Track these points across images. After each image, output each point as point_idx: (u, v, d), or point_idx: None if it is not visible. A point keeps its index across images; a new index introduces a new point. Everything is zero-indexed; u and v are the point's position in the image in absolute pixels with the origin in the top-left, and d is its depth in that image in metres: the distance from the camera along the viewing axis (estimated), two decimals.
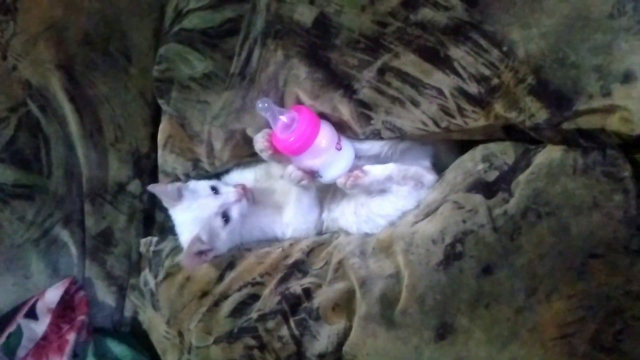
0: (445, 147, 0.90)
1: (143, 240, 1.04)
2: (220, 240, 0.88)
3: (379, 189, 0.84)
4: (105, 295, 1.05)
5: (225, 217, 0.87)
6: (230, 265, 0.89)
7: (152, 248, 1.01)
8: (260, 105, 0.79)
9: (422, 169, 0.85)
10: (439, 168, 0.87)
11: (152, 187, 0.91)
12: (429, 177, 0.84)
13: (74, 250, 1.03)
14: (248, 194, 0.89)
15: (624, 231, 0.65)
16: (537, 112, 0.69)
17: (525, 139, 0.76)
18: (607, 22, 0.64)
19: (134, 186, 1.06)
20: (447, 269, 0.71)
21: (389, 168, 0.82)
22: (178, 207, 0.89)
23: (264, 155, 0.84)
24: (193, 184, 0.91)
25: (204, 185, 0.90)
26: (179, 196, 0.89)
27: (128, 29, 1.07)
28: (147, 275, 0.99)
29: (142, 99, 1.06)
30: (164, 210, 1.04)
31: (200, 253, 0.86)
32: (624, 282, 0.63)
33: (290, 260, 0.85)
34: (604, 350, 0.62)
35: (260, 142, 0.84)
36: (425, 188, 0.84)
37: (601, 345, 0.62)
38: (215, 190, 0.88)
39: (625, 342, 0.62)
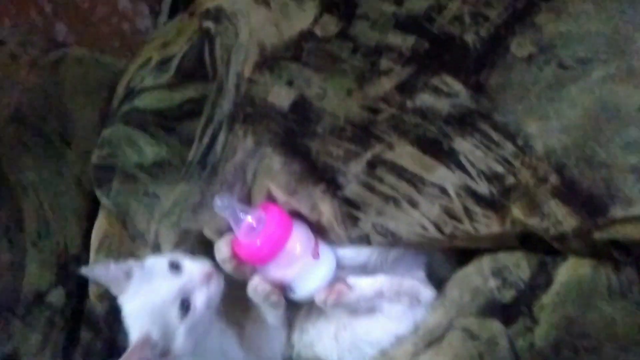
0: (441, 256, 0.76)
1: None
2: (178, 340, 0.64)
3: (367, 307, 0.68)
4: None
5: (185, 306, 0.64)
6: None
7: None
8: (219, 202, 0.64)
9: (418, 283, 0.70)
10: (433, 280, 0.73)
11: (87, 270, 0.68)
12: (427, 292, 0.69)
13: None
14: (218, 276, 0.67)
15: None
16: (564, 219, 0.57)
17: (538, 248, 0.64)
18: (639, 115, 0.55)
19: (56, 296, 0.85)
20: None
21: (379, 281, 0.67)
22: (127, 292, 0.67)
23: (227, 266, 0.68)
24: (151, 260, 0.69)
25: (162, 262, 0.67)
26: (127, 278, 0.66)
27: (70, 108, 0.94)
28: None
29: (79, 188, 0.90)
30: (92, 327, 0.84)
31: None
32: None
33: None
34: None
35: (223, 250, 0.68)
36: (423, 306, 0.69)
37: None
38: (175, 266, 0.66)
39: None
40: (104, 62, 1.02)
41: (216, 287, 0.66)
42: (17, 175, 0.87)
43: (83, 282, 0.85)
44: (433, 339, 0.62)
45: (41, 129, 0.91)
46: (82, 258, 0.87)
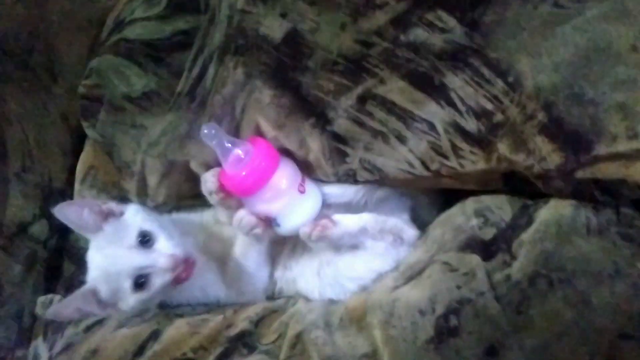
0: (426, 200, 0.77)
1: (41, 299, 0.81)
2: (126, 305, 0.66)
3: (350, 244, 0.69)
4: None
5: (141, 282, 0.64)
6: (154, 335, 0.69)
7: None
8: (205, 131, 0.64)
9: (401, 222, 0.71)
10: (417, 224, 0.74)
11: (59, 210, 0.64)
12: (410, 232, 0.70)
13: None
14: (186, 267, 0.66)
15: None
16: (549, 155, 0.58)
17: (522, 191, 0.65)
18: (630, 55, 0.55)
19: (39, 228, 0.84)
20: (440, 348, 0.55)
21: (364, 219, 0.68)
22: (97, 238, 0.66)
23: (213, 198, 0.68)
24: (130, 215, 0.67)
25: (134, 228, 0.66)
26: (98, 225, 0.66)
27: (57, 42, 0.91)
28: (39, 345, 0.75)
29: (64, 123, 0.88)
30: (74, 261, 0.84)
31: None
32: None
33: (233, 331, 0.66)
34: None
35: (210, 181, 0.68)
36: (406, 245, 0.70)
37: None
38: (146, 239, 0.65)
39: None
40: None
41: (170, 277, 0.65)
42: (1, 106, 0.85)
43: None
44: (413, 274, 0.63)
45: (27, 62, 0.89)
46: (67, 192, 0.86)
